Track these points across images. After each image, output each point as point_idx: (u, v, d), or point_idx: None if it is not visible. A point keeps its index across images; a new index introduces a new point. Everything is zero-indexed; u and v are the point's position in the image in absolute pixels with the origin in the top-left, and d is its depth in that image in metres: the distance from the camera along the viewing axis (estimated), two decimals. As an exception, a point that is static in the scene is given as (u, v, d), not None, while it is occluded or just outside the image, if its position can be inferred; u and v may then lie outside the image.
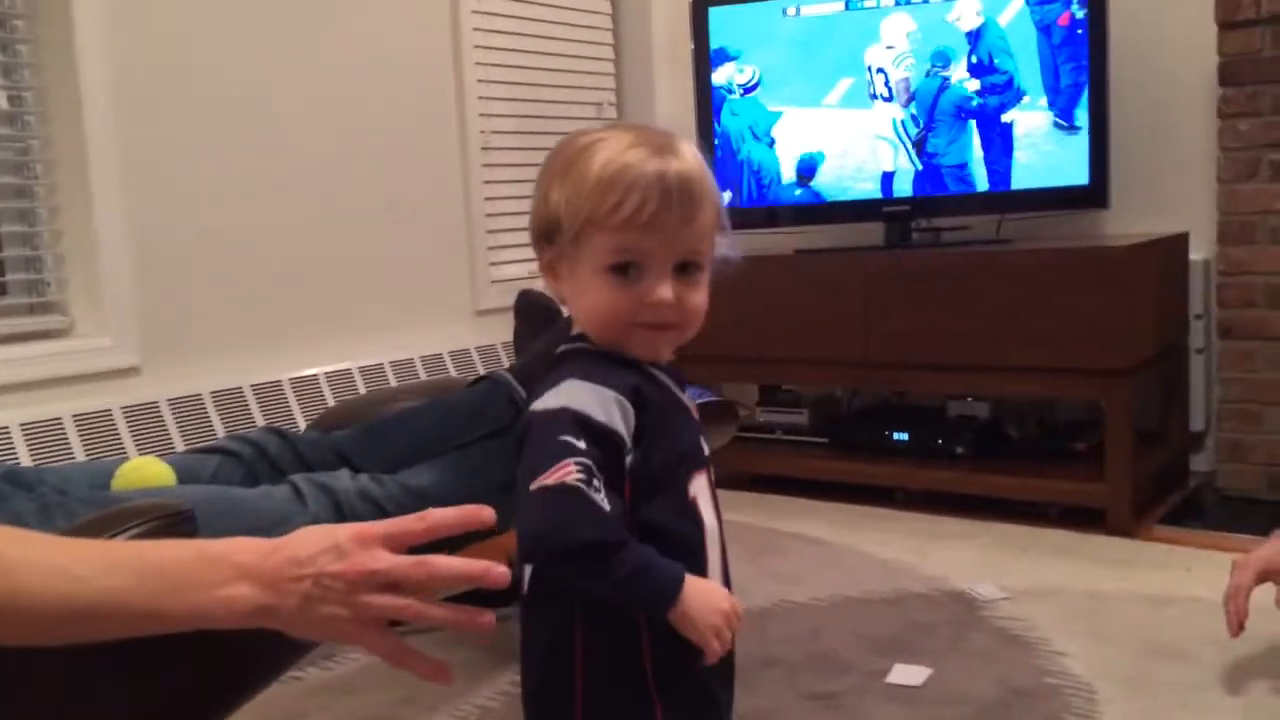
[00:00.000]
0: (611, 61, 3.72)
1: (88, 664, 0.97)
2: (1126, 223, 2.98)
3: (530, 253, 1.04)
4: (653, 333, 1.00)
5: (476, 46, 3.18)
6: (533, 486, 0.91)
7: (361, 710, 1.88)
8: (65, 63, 2.29)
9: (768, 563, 2.53)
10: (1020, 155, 2.92)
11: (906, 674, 1.91)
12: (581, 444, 0.92)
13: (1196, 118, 2.90)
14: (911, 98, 3.01)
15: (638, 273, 0.97)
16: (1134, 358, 2.61)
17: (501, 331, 2.96)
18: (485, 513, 0.91)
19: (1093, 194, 2.86)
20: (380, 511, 1.55)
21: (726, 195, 2.50)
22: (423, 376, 2.90)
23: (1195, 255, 2.93)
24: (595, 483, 0.91)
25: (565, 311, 1.66)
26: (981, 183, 2.97)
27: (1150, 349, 2.71)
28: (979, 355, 2.75)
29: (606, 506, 0.91)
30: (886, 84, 3.04)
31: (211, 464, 1.70)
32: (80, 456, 2.18)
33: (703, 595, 0.94)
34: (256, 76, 2.63)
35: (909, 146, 3.03)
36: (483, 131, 3.21)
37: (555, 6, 3.45)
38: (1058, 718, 1.75)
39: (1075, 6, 2.81)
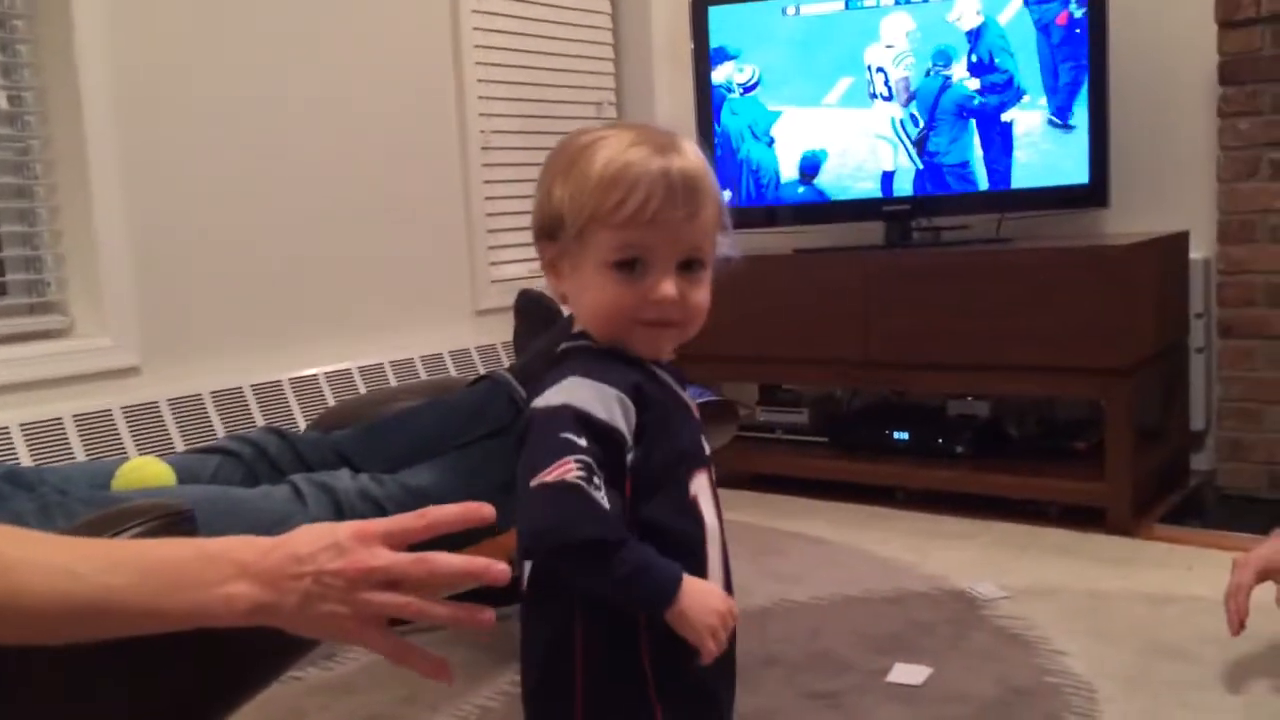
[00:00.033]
0: (611, 61, 3.72)
1: (88, 664, 0.97)
2: (1126, 222, 2.98)
3: (530, 252, 1.04)
4: (655, 330, 0.99)
5: (476, 46, 3.18)
6: (533, 483, 0.91)
7: (362, 710, 1.88)
8: (65, 63, 2.29)
9: (768, 562, 2.53)
10: (1020, 154, 2.92)
11: (907, 673, 1.91)
12: (582, 441, 0.92)
13: (1196, 117, 2.90)
14: (911, 97, 3.01)
15: (642, 269, 0.97)
16: (1134, 357, 2.61)
17: (501, 331, 2.96)
18: (485, 509, 0.91)
19: (1093, 193, 2.86)
20: (380, 511, 1.55)
21: (726, 194, 2.50)
22: (423, 376, 2.90)
23: (1195, 254, 2.93)
24: (595, 480, 0.91)
25: (565, 311, 1.66)
26: (981, 182, 2.97)
27: (1150, 348, 2.71)
28: (979, 354, 2.75)
29: (606, 504, 0.91)
30: (886, 83, 3.04)
31: (211, 464, 1.70)
32: (80, 456, 2.18)
33: (699, 595, 0.94)
34: (256, 77, 2.63)
35: (909, 146, 3.03)
36: (483, 131, 3.21)
37: (555, 6, 3.46)
38: (1058, 717, 1.74)
39: (1073, 6, 2.81)
